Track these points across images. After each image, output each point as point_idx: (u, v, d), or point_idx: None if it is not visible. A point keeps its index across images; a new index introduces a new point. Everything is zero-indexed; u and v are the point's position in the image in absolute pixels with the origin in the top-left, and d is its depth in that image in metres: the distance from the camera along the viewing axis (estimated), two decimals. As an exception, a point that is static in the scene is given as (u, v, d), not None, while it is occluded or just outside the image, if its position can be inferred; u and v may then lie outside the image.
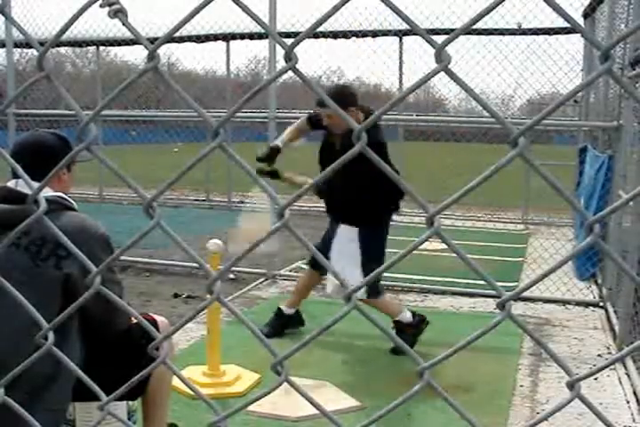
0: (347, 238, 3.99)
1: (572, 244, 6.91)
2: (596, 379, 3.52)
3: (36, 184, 0.84)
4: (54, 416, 1.98)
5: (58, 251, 1.92)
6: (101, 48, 11.90)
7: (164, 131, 15.38)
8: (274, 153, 3.95)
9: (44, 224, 0.81)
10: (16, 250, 1.91)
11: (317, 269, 4.25)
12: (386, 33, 8.91)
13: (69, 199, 2.08)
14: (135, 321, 2.11)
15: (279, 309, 4.27)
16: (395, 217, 4.15)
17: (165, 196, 10.02)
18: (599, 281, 5.62)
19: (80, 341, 2.06)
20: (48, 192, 1.97)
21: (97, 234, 2.02)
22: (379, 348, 3.97)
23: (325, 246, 4.01)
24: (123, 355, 2.09)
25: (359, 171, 3.95)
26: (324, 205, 4.17)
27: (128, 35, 4.95)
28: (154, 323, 2.25)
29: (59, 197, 2.04)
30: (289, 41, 0.65)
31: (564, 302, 5.12)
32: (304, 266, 4.34)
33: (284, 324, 4.22)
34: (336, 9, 0.66)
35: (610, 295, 5.00)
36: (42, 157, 1.98)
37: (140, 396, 2.30)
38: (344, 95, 3.76)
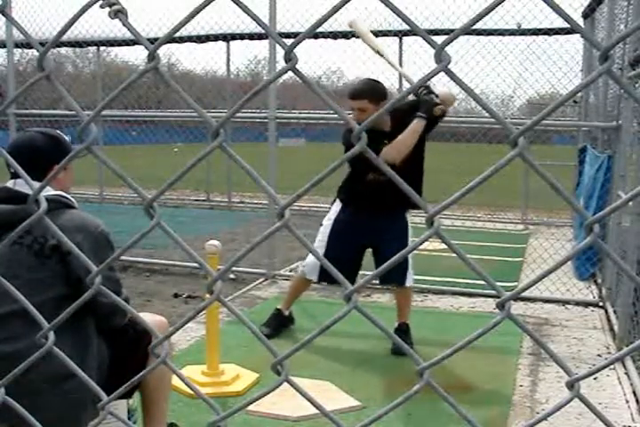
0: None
1: (572, 244, 6.91)
2: (595, 379, 3.52)
3: (35, 184, 0.84)
4: (73, 402, 1.96)
5: (61, 247, 1.95)
6: (102, 48, 11.90)
7: (164, 131, 15.40)
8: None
9: (44, 223, 0.82)
10: (20, 249, 1.94)
11: (326, 280, 4.22)
12: (386, 33, 8.89)
13: (69, 197, 2.11)
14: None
15: (278, 309, 4.28)
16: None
17: (166, 196, 10.02)
18: (598, 281, 5.62)
19: (103, 338, 2.10)
20: (48, 191, 1.99)
21: (97, 231, 2.07)
22: (379, 348, 3.97)
23: (352, 256, 3.96)
24: (119, 352, 2.12)
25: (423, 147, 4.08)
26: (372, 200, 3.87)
27: (128, 35, 4.96)
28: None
29: (59, 195, 2.07)
30: (289, 41, 0.65)
31: (564, 302, 5.12)
32: (302, 267, 4.31)
33: (283, 324, 4.24)
34: (336, 9, 0.66)
35: (609, 295, 5.00)
36: (33, 157, 2.01)
37: (133, 393, 2.31)
38: (379, 89, 3.81)
